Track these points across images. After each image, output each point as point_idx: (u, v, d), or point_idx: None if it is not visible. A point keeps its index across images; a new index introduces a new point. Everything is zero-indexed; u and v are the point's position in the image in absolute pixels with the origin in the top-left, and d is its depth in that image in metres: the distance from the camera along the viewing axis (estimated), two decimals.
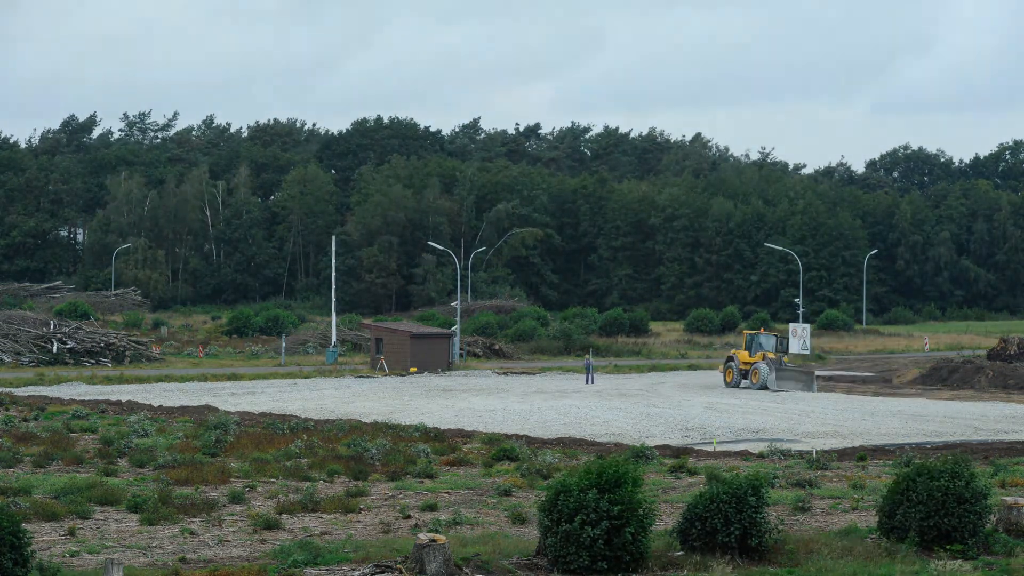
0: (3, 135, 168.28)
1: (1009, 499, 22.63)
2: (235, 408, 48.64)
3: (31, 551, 17.86)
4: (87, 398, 52.47)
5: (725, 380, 63.42)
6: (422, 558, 18.84)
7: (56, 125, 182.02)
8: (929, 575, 19.35)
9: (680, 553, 20.25)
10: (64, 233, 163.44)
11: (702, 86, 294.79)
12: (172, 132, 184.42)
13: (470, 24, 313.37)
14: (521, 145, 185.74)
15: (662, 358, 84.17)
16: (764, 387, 61.23)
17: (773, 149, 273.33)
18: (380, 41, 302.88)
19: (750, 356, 63.26)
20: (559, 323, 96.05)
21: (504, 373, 72.15)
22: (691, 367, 77.00)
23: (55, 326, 77.95)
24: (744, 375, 62.75)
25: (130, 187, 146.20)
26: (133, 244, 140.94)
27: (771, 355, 62.84)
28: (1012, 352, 68.25)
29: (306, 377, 67.43)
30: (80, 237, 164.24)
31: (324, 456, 33.09)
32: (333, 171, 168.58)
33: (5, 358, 72.75)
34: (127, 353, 75.95)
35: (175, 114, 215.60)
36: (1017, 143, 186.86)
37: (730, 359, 64.04)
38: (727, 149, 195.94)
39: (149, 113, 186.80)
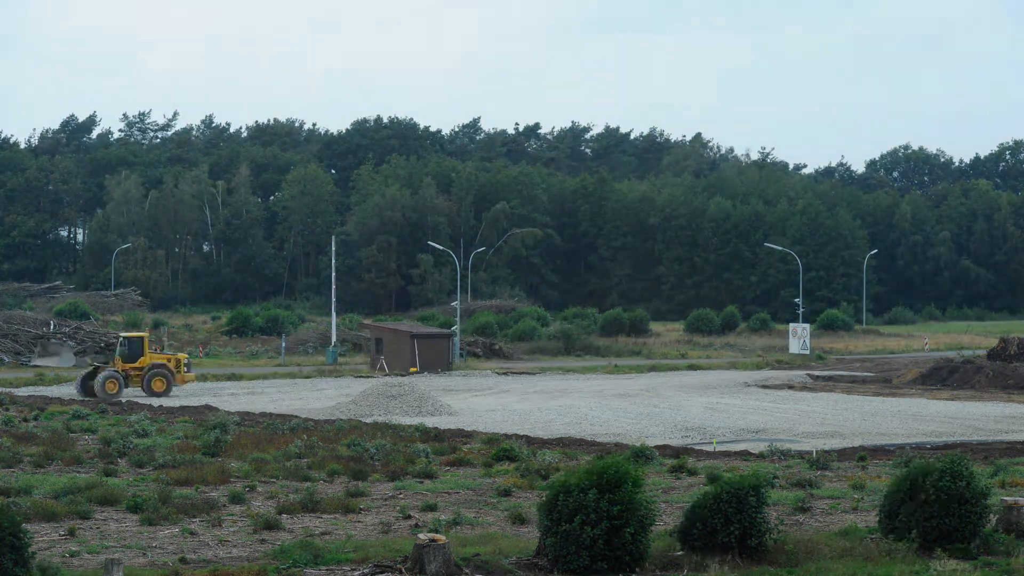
0: (3, 135, 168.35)
1: (1009, 499, 22.60)
2: (235, 408, 48.65)
3: (31, 552, 17.85)
4: (87, 398, 52.43)
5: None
6: (422, 558, 18.83)
7: (56, 125, 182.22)
8: (929, 575, 19.35)
9: (680, 553, 20.24)
10: (64, 233, 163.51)
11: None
12: (172, 132, 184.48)
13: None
14: (521, 145, 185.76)
15: (662, 358, 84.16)
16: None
17: (773, 149, 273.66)
18: (379, 41, 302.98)
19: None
20: (559, 323, 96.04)
21: (504, 373, 72.14)
22: (691, 367, 77.00)
23: (55, 326, 77.93)
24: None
25: (130, 187, 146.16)
26: (133, 244, 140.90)
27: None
28: (1012, 352, 68.19)
29: (306, 377, 67.42)
30: (80, 237, 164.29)
31: (324, 456, 33.07)
32: (333, 171, 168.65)
33: (5, 358, 72.76)
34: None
35: (175, 114, 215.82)
36: (1017, 143, 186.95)
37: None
38: (730, 149, 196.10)
39: (149, 113, 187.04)
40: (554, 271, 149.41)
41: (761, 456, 34.52)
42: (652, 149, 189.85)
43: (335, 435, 38.08)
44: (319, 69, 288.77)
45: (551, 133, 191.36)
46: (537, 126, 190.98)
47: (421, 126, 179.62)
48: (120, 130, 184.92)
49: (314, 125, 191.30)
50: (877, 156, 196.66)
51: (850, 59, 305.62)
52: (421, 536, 19.33)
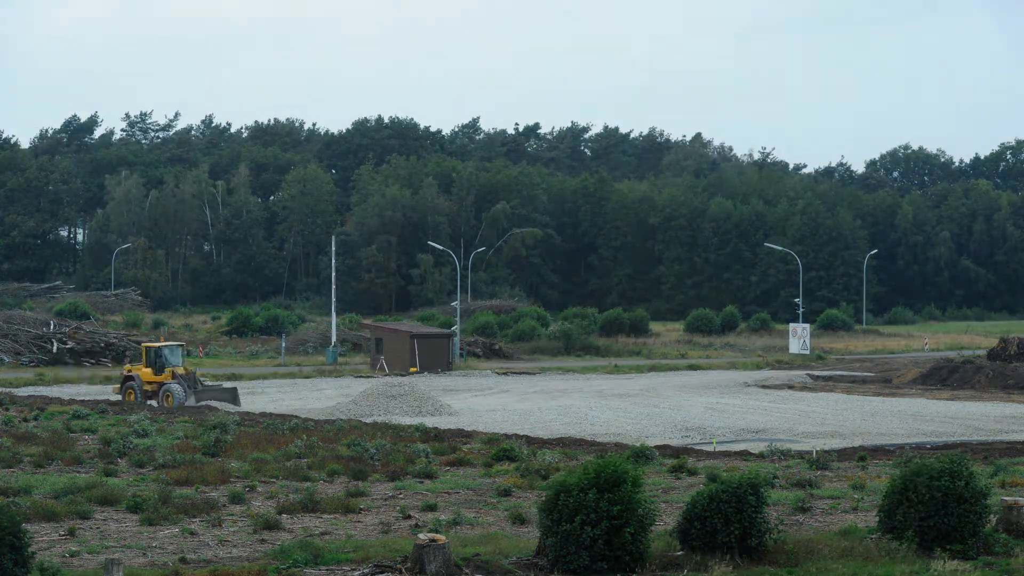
0: (3, 135, 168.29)
1: (1009, 499, 22.61)
2: (235, 408, 48.64)
3: (31, 552, 17.85)
4: (87, 398, 52.42)
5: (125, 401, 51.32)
6: (422, 558, 18.84)
7: (56, 125, 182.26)
8: (929, 575, 19.34)
9: (680, 553, 20.24)
10: (64, 233, 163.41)
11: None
12: (172, 132, 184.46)
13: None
14: (521, 145, 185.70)
15: (662, 358, 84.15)
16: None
17: (773, 149, 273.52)
18: (378, 40, 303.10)
19: (155, 375, 51.61)
20: (559, 323, 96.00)
21: (504, 373, 72.14)
22: (691, 367, 76.99)
23: (55, 326, 77.92)
24: (150, 396, 51.35)
25: (130, 187, 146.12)
26: (133, 244, 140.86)
27: (181, 370, 51.58)
28: (1012, 352, 68.21)
29: (306, 377, 67.42)
30: (80, 237, 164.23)
31: (324, 456, 33.07)
32: (333, 171, 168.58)
33: (5, 358, 72.74)
34: (127, 353, 75.92)
35: (176, 114, 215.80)
36: (1017, 143, 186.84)
37: (130, 378, 52.43)
38: (729, 149, 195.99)
39: (150, 113, 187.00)
40: (554, 271, 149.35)
41: (761, 456, 34.52)
42: (652, 149, 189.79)
43: (335, 435, 38.08)
44: (319, 69, 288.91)
45: (551, 133, 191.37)
46: (537, 126, 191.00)
47: (421, 126, 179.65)
48: (121, 130, 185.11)
49: (314, 125, 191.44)
50: (877, 156, 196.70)
51: (850, 59, 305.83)
52: (421, 536, 19.34)
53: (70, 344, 75.17)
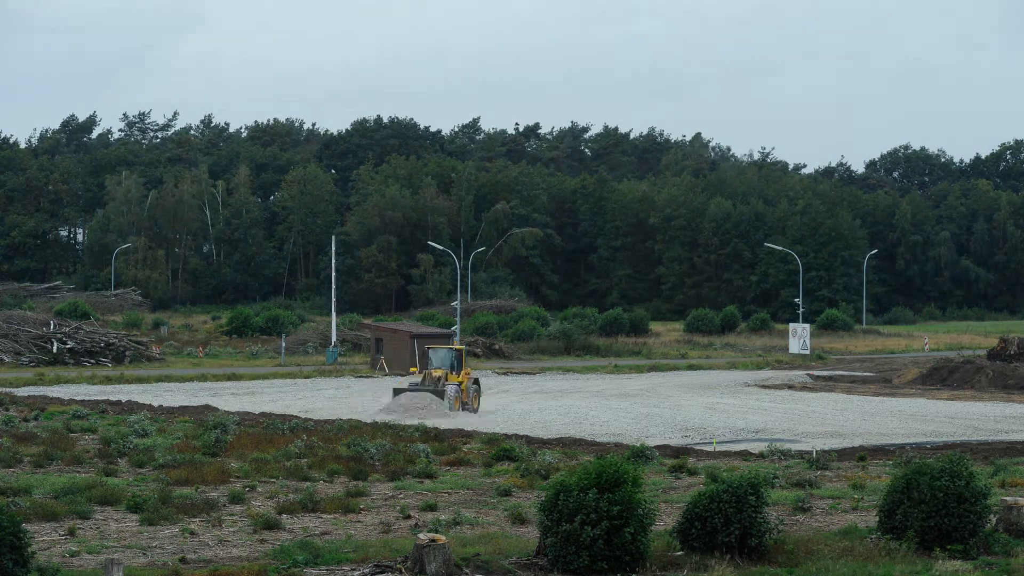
0: (3, 135, 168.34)
1: (1009, 499, 22.61)
2: (235, 408, 48.62)
3: (31, 551, 17.85)
4: (87, 398, 52.40)
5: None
6: (422, 558, 18.84)
7: (56, 125, 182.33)
8: (929, 575, 19.35)
9: (680, 553, 20.24)
10: (64, 233, 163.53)
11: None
12: (172, 132, 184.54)
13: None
14: (521, 145, 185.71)
15: (662, 358, 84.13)
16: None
17: (773, 149, 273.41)
18: (378, 39, 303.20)
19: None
20: (559, 323, 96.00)
21: (504, 373, 72.11)
22: (691, 367, 76.98)
23: (55, 326, 77.90)
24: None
25: (129, 187, 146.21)
26: (133, 244, 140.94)
27: (438, 373, 49.86)
28: (1012, 352, 68.20)
29: (306, 377, 67.38)
30: (80, 237, 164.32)
31: (324, 456, 33.07)
32: (333, 171, 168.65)
33: (5, 358, 72.71)
34: (127, 353, 75.92)
35: (175, 114, 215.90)
36: (1017, 143, 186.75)
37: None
38: (727, 149, 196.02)
39: (149, 113, 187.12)
40: (554, 271, 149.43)
41: (761, 456, 34.51)
42: (652, 149, 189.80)
43: (335, 435, 38.07)
44: (319, 69, 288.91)
45: (551, 133, 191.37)
46: (537, 126, 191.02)
47: (421, 126, 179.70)
48: (120, 130, 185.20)
49: (314, 125, 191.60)
50: (877, 156, 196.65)
51: (850, 58, 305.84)
52: (421, 536, 19.34)
53: (70, 344, 75.17)
